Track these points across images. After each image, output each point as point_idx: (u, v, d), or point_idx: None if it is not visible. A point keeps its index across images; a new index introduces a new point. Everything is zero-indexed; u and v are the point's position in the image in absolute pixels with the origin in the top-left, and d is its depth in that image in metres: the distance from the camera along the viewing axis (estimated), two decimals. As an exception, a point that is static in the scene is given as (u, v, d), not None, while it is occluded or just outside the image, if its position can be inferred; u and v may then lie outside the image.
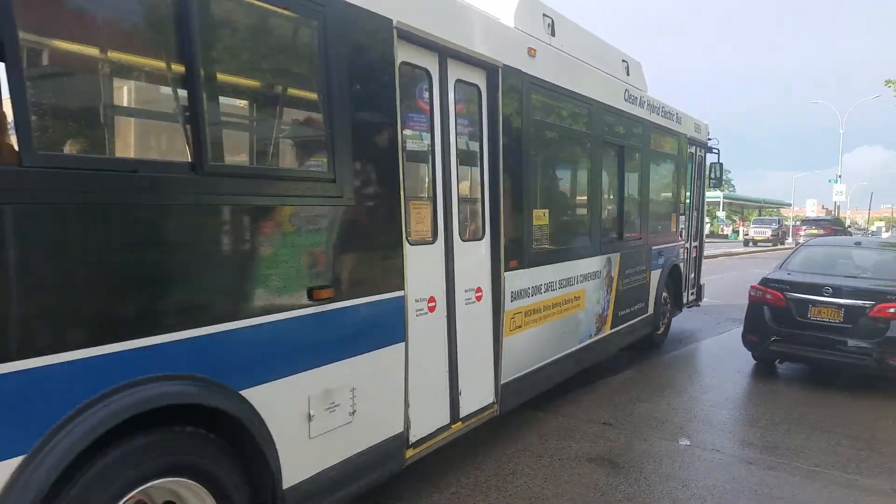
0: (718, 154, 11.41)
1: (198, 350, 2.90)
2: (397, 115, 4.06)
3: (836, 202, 44.35)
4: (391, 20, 3.98)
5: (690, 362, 9.16)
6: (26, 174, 2.31)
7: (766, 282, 8.37)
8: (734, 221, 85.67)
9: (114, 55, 3.07)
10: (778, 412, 6.91)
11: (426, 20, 4.33)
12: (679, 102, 10.01)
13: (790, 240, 44.40)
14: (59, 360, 2.41)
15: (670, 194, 9.91)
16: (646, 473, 5.23)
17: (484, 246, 5.23)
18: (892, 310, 7.31)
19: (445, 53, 4.62)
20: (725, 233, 76.71)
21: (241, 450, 3.15)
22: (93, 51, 2.99)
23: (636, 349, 9.19)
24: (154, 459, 2.74)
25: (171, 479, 2.84)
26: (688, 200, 10.53)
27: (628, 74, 8.16)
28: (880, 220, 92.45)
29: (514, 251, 5.46)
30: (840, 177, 43.34)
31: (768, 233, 46.86)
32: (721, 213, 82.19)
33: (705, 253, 12.42)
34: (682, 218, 10.21)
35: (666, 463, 5.44)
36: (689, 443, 5.91)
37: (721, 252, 37.16)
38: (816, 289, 7.83)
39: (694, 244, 11.07)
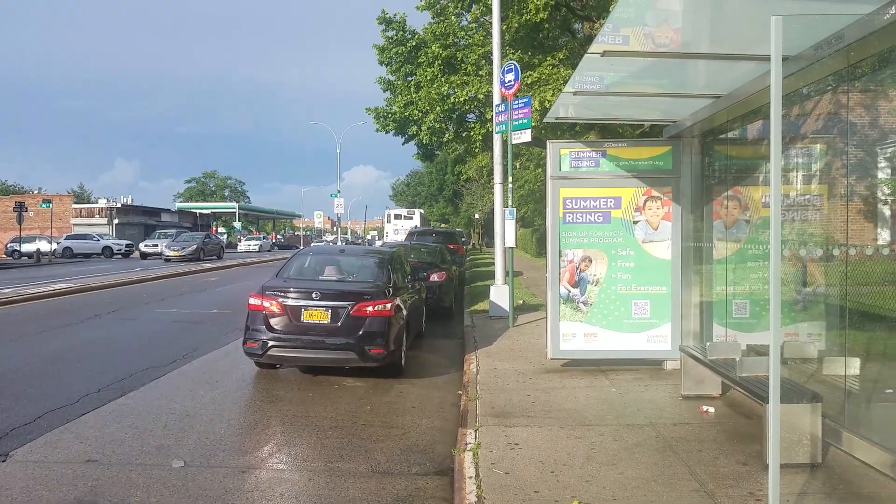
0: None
1: None
2: None
3: (337, 214, 49.45)
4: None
5: (193, 378, 8.90)
6: None
7: (263, 289, 8.66)
8: (251, 231, 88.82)
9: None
10: (275, 416, 7.17)
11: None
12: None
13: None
14: None
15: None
16: (132, 508, 4.79)
17: None
18: (368, 308, 8.31)
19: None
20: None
21: None
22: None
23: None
24: None
25: None
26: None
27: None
28: (374, 229, 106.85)
29: None
30: (339, 192, 48.65)
31: (257, 245, 65.42)
32: (237, 224, 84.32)
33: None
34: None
35: (156, 490, 5.08)
36: (183, 463, 5.65)
37: (237, 262, 38.00)
38: (307, 294, 8.42)
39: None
